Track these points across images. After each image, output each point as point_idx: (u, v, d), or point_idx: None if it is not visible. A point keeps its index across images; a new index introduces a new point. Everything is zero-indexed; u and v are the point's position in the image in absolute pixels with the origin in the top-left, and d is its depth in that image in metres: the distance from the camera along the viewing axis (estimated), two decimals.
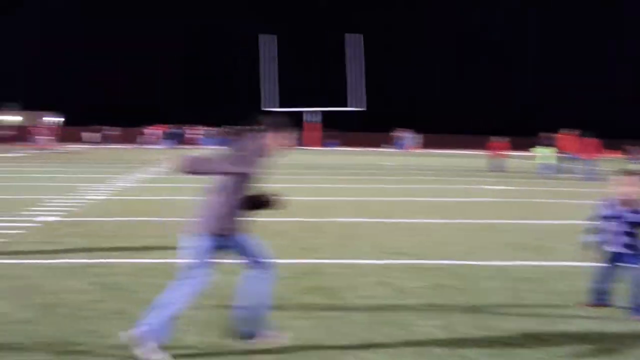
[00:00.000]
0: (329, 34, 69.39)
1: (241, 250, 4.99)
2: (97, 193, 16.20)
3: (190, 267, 4.90)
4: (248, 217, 5.03)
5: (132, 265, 8.00)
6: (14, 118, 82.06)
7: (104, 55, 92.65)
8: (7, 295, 6.50)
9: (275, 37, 68.69)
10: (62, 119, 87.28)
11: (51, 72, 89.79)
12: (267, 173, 5.05)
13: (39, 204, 13.58)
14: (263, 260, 5.05)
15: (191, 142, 62.32)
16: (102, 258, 8.36)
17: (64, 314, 5.91)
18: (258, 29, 70.66)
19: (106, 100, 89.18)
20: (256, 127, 5.03)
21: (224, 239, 4.90)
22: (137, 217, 12.26)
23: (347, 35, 69.15)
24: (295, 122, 68.75)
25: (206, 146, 58.15)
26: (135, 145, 57.90)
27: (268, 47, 70.10)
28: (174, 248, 9.16)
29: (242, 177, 4.87)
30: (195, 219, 4.94)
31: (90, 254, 8.62)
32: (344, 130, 65.20)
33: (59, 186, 17.77)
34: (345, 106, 68.86)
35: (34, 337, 5.27)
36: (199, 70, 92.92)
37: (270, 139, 5.01)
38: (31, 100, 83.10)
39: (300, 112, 70.40)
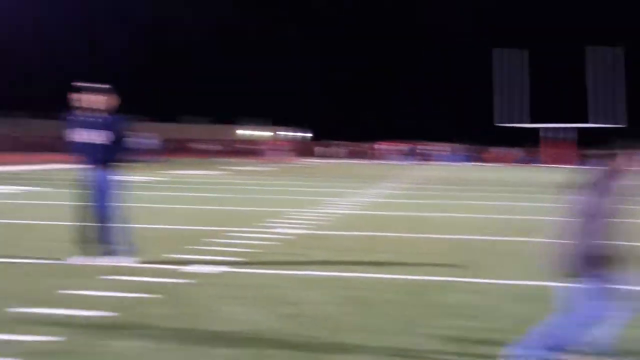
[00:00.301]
0: (572, 47, 66.54)
1: (597, 294, 4.63)
2: (336, 207, 16.59)
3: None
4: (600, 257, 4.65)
5: (372, 280, 7.99)
6: (264, 133, 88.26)
7: (340, 76, 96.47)
8: (256, 303, 6.72)
9: (526, 52, 67.25)
10: (310, 135, 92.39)
11: (297, 91, 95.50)
12: (622, 200, 4.70)
13: (282, 216, 14.15)
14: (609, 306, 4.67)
15: (424, 158, 62.63)
16: (343, 271, 8.44)
17: (308, 325, 5.98)
18: (492, 43, 69.43)
19: (341, 117, 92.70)
20: (608, 152, 4.76)
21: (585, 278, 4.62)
22: (375, 231, 12.34)
23: (589, 48, 65.93)
24: (532, 138, 66.53)
25: (444, 163, 58.05)
26: (367, 161, 59.19)
27: (505, 61, 68.65)
28: (410, 264, 9.08)
29: (603, 212, 4.60)
30: (560, 256, 4.71)
31: (332, 266, 8.75)
32: (587, 147, 62.00)
33: (298, 199, 18.47)
34: (587, 122, 65.49)
35: (281, 346, 5.35)
36: (427, 87, 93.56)
37: (623, 162, 4.70)
38: (280, 117, 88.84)
39: (538, 129, 68.05)
